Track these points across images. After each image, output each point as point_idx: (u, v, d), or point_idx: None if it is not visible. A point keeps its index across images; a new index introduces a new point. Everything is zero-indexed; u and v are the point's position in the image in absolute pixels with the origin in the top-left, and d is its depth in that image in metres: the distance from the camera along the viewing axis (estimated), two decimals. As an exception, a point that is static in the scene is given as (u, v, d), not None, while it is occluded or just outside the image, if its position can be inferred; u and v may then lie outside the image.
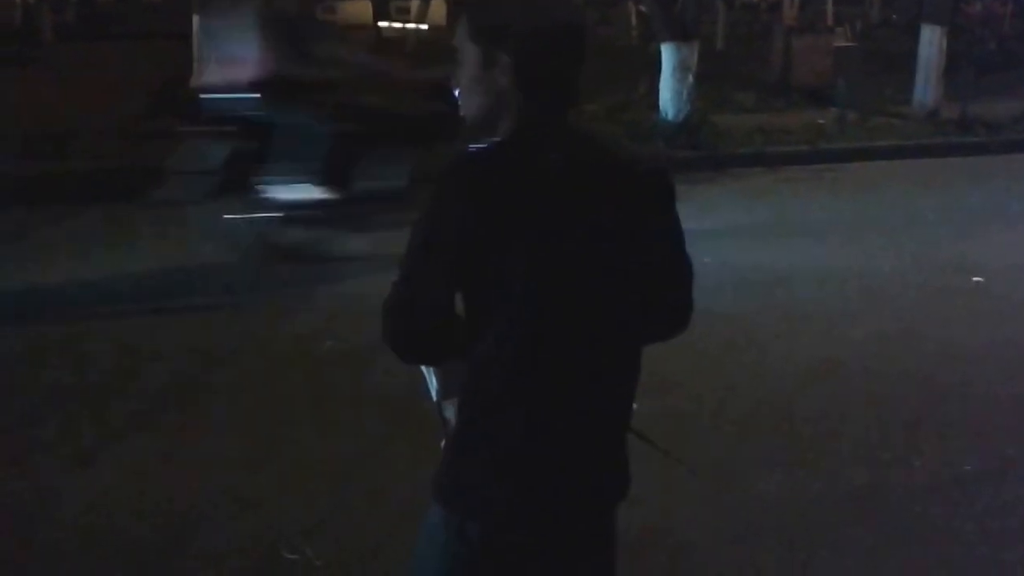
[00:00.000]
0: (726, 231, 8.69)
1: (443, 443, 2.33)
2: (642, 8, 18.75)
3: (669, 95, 12.46)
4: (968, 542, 4.22)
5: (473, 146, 2.17)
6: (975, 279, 7.56)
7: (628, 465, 2.35)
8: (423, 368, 2.41)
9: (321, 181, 7.89)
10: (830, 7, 22.01)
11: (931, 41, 13.84)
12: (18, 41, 19.12)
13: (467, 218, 2.08)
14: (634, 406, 2.40)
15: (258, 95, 7.71)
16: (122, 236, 8.21)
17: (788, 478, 4.73)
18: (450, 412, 2.31)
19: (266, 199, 7.87)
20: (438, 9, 20.93)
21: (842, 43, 15.82)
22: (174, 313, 6.80)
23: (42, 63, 17.35)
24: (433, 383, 2.38)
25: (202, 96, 8.06)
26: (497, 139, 2.20)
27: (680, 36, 12.44)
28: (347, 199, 7.98)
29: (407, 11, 21.30)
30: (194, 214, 7.84)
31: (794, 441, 5.07)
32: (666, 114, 12.48)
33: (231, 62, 7.85)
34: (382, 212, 7.97)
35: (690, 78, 12.43)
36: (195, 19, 15.33)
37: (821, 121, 13.21)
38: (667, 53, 12.50)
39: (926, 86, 13.94)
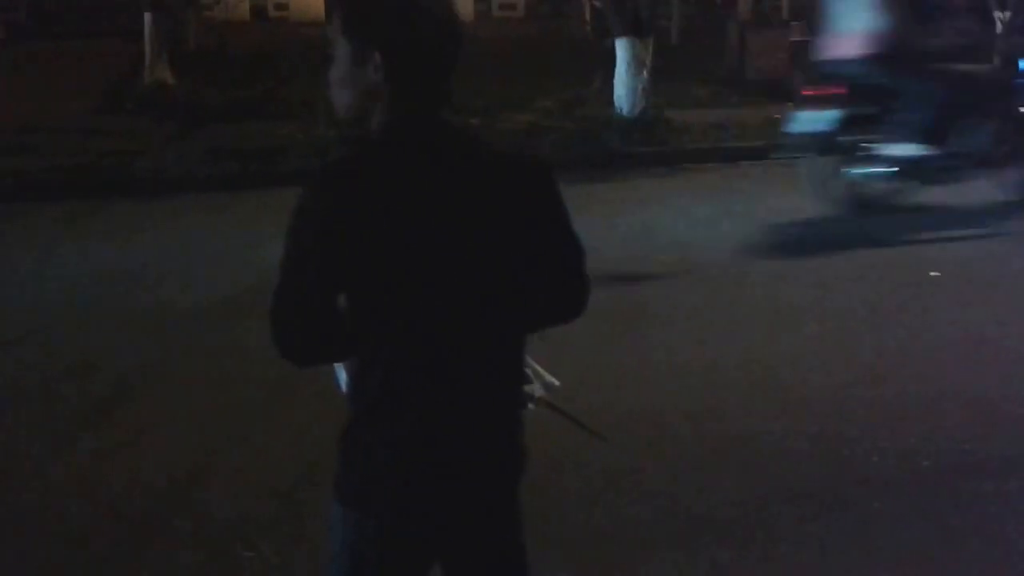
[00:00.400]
0: (685, 224, 8.74)
1: None
2: (596, 3, 18.75)
3: (624, 90, 12.48)
4: (925, 539, 4.21)
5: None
6: (932, 273, 7.58)
7: (523, 447, 2.34)
8: None
9: (925, 140, 8.81)
10: (785, 2, 22.09)
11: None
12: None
13: (330, 223, 2.08)
14: (556, 383, 2.45)
15: (879, 63, 8.66)
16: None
17: (744, 474, 4.72)
18: None
19: (878, 156, 8.91)
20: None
21: (797, 38, 15.85)
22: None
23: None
24: (343, 376, 2.38)
25: (823, 63, 9.24)
26: (366, 138, 2.20)
27: (634, 31, 12.44)
28: (944, 156, 8.94)
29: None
30: (810, 170, 9.07)
31: (749, 438, 5.06)
32: (621, 109, 12.50)
33: (853, 34, 8.80)
34: (969, 170, 9.11)
35: (645, 73, 12.45)
36: (146, 17, 15.23)
37: (777, 116, 13.19)
38: (621, 48, 12.50)
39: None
